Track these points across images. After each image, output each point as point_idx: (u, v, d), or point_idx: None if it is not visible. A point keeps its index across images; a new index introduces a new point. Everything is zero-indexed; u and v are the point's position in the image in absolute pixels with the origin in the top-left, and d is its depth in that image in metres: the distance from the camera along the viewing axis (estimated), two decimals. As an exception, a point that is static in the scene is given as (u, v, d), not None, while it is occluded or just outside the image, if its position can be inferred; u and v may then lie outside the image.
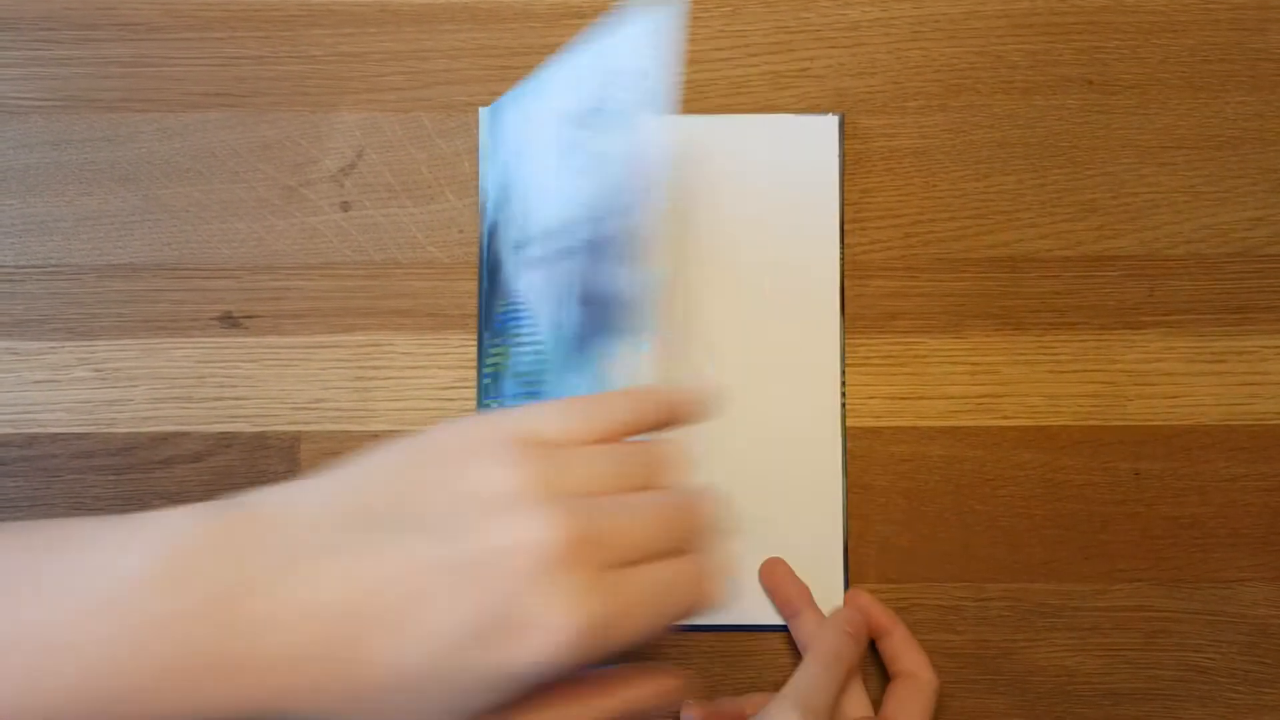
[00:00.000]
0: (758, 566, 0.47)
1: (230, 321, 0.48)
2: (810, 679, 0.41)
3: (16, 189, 0.48)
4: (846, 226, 0.48)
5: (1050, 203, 0.48)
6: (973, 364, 0.48)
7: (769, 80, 0.49)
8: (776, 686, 0.46)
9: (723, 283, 0.47)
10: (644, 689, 0.31)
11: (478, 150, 0.48)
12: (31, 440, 0.47)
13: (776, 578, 0.46)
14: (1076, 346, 0.48)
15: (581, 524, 0.26)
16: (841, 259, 0.48)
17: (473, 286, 0.48)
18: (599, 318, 0.38)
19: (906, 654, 0.45)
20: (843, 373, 0.47)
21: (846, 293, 0.48)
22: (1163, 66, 0.49)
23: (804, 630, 0.45)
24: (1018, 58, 0.49)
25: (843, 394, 0.47)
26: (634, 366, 0.37)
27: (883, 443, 0.47)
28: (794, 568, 0.46)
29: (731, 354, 0.47)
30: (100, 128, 0.48)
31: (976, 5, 0.49)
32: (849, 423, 0.47)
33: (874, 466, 0.47)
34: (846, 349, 0.48)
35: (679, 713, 0.44)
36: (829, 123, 0.48)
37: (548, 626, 0.25)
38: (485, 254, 0.47)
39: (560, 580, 0.26)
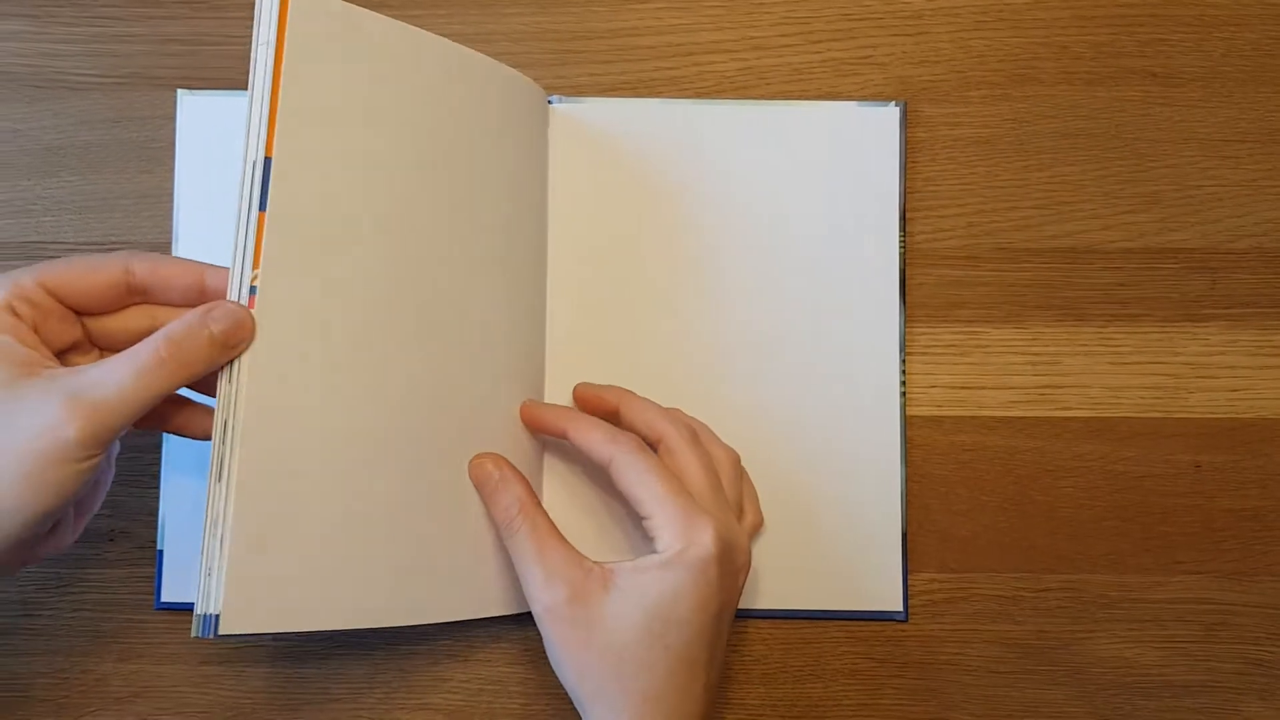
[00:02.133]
0: (816, 558, 0.46)
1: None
2: None
3: (77, 165, 0.48)
4: (908, 215, 0.48)
5: (1113, 194, 0.48)
6: (1034, 354, 0.48)
7: (831, 67, 0.49)
8: (835, 674, 0.46)
9: (783, 270, 0.47)
10: None
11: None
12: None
13: (535, 414, 0.44)
14: (1139, 338, 0.48)
15: None
16: (903, 248, 0.48)
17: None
18: None
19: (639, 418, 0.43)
20: (903, 361, 0.47)
21: (908, 281, 0.48)
22: (1225, 60, 0.49)
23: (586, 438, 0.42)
24: (1081, 49, 0.49)
25: (903, 382, 0.47)
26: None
27: (944, 432, 0.47)
28: (853, 557, 0.46)
29: (792, 342, 0.47)
30: (161, 105, 0.48)
31: (1040, -5, 0.49)
32: (910, 412, 0.47)
33: (935, 456, 0.47)
34: (908, 338, 0.47)
35: None
36: (890, 112, 0.48)
37: None
38: None
39: None
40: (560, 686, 0.46)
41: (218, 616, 0.35)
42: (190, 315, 0.35)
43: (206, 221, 0.47)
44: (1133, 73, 0.49)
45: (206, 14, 0.49)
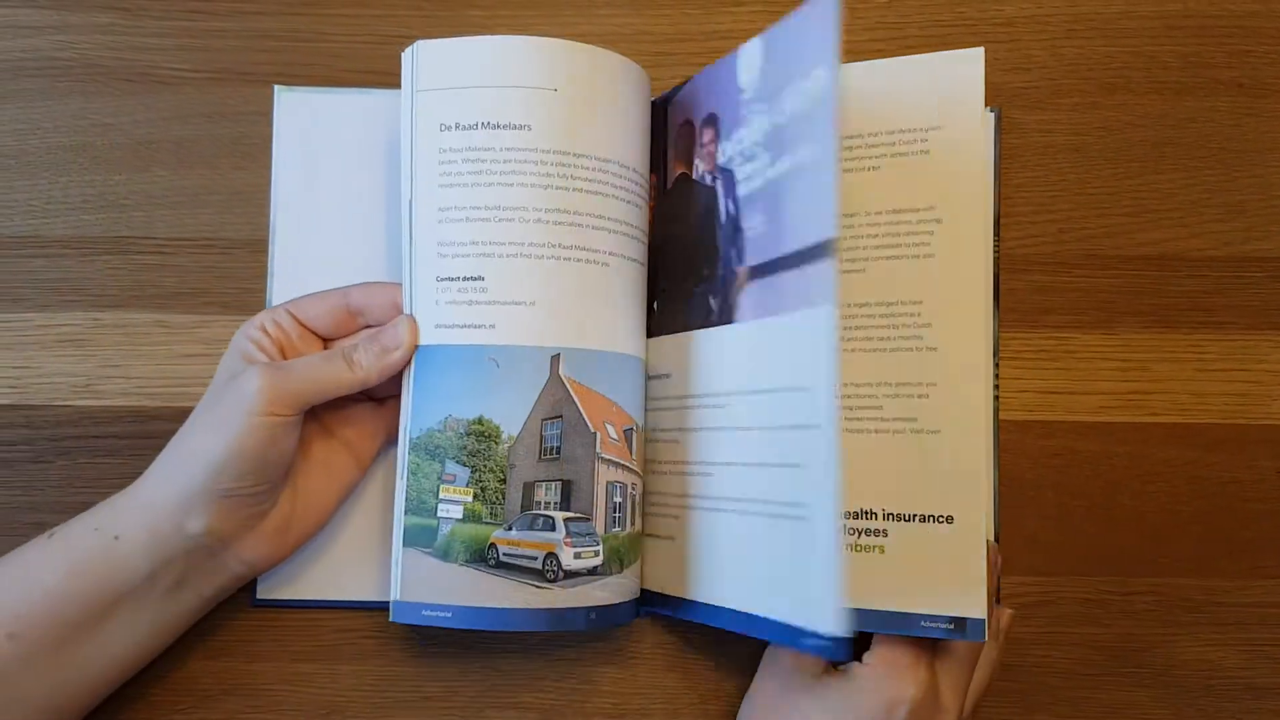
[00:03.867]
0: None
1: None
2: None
3: (169, 160, 0.48)
4: (1000, 220, 0.48)
5: (1200, 203, 0.49)
6: (1123, 360, 0.48)
7: (923, 73, 0.49)
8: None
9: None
10: None
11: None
12: (183, 414, 0.46)
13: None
14: (1224, 345, 0.48)
15: None
16: (996, 252, 0.48)
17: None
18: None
19: None
20: (995, 366, 0.48)
21: (1000, 286, 0.48)
22: (1310, 72, 0.49)
23: None
24: (1170, 59, 0.49)
25: (995, 387, 0.47)
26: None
27: (1033, 436, 0.48)
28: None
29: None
30: (255, 101, 0.48)
31: (1130, 5, 0.49)
32: (1000, 416, 0.48)
33: (1024, 460, 0.48)
34: (999, 342, 0.48)
35: None
36: (986, 117, 0.48)
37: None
38: None
39: None
40: (651, 687, 0.47)
41: (403, 602, 0.41)
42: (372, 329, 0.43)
43: (304, 218, 0.47)
44: (1220, 83, 0.49)
45: (299, 10, 0.49)
